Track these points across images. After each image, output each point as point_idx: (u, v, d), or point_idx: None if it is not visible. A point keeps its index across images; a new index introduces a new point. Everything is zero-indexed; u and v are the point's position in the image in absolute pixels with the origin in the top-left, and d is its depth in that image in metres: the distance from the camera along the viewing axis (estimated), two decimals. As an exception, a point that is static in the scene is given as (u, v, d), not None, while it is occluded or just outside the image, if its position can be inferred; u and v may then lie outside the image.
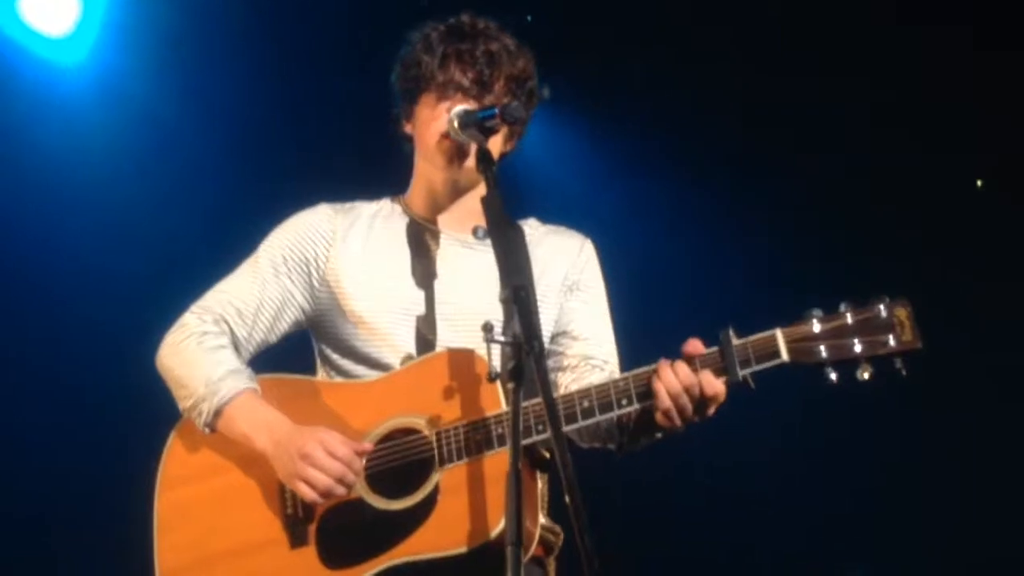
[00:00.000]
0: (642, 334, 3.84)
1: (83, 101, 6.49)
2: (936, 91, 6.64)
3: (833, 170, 6.82)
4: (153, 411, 3.93)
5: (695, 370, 3.43)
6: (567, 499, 3.09)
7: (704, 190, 6.92)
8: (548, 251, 3.89)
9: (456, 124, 3.66)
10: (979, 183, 7.04)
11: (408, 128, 3.90)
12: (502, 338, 3.30)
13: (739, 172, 6.92)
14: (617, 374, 3.79)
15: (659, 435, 3.58)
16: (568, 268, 3.90)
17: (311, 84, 6.58)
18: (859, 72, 6.72)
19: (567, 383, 3.81)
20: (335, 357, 3.84)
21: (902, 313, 3.40)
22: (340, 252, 3.87)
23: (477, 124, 3.62)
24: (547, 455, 3.64)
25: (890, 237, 6.75)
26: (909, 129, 6.74)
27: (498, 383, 3.48)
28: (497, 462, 3.45)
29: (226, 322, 3.83)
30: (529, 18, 6.59)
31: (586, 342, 3.87)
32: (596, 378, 3.75)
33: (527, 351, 3.19)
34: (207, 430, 3.71)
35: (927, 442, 6.72)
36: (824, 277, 6.52)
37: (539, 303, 3.71)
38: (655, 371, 3.46)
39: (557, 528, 3.67)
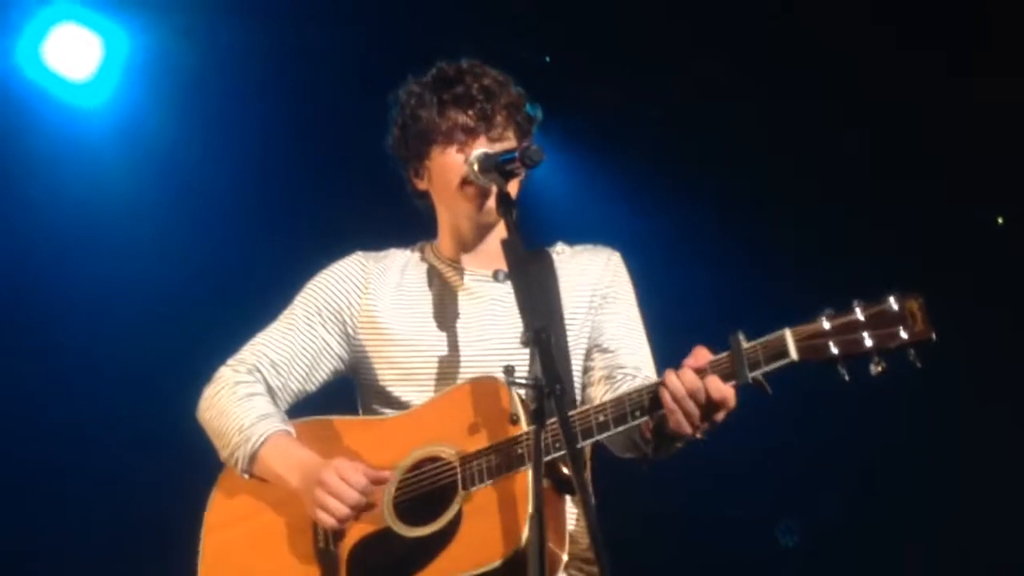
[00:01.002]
0: (662, 355, 3.87)
1: (105, 144, 6.52)
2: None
3: (851, 192, 6.89)
4: (200, 461, 4.00)
5: (702, 376, 3.41)
6: (589, 540, 3.07)
7: (723, 214, 7.01)
8: (576, 269, 3.92)
9: (476, 168, 3.70)
10: (1000, 220, 7.05)
11: (421, 185, 3.94)
12: (523, 380, 3.34)
13: (757, 196, 7.00)
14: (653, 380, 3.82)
15: (678, 444, 3.57)
16: (596, 281, 3.92)
17: (336, 126, 6.57)
18: (872, 101, 6.78)
19: (600, 396, 3.79)
20: (371, 401, 3.91)
21: (913, 305, 3.30)
22: (372, 299, 3.93)
23: (498, 167, 3.65)
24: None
25: (900, 258, 6.78)
26: (924, 151, 6.80)
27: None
28: (519, 480, 3.47)
29: (260, 372, 3.91)
30: (547, 58, 6.64)
31: (616, 352, 3.86)
32: (625, 388, 3.75)
33: (548, 393, 3.23)
34: (246, 476, 3.81)
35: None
36: (840, 294, 6.53)
37: (570, 321, 3.78)
38: (662, 379, 3.46)
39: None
